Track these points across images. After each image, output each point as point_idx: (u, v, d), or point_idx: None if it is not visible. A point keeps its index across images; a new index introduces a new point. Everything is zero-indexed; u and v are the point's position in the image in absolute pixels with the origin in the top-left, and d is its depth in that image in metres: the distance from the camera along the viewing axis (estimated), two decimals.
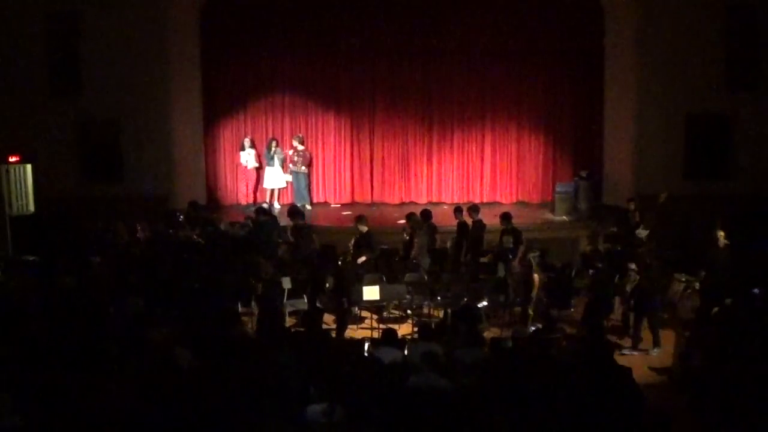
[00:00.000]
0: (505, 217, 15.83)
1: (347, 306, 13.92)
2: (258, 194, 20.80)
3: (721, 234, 14.15)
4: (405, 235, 15.88)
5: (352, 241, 15.41)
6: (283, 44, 20.59)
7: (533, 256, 14.35)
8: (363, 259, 15.08)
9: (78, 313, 10.81)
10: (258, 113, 21.20)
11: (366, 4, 20.42)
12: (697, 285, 14.23)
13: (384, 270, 15.09)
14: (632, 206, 16.39)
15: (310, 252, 15.27)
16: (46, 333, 9.77)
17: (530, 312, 13.86)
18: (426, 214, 16.06)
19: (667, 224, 16.40)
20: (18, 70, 18.27)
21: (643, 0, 18.47)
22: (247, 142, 20.45)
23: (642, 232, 15.45)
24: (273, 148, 20.19)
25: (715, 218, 15.21)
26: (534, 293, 13.97)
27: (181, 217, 16.59)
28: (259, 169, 20.65)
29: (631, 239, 15.61)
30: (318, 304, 13.85)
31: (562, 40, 20.56)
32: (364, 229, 15.39)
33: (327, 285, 14.44)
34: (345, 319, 13.50)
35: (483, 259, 15.15)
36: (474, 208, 16.41)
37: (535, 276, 13.91)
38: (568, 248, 17.30)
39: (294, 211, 16.35)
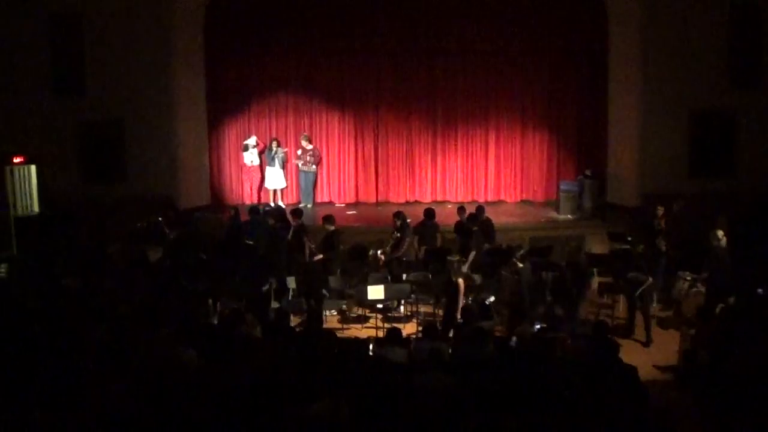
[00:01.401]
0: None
1: (314, 307, 13.79)
2: (262, 194, 20.84)
3: (720, 233, 14.05)
4: (395, 233, 15.83)
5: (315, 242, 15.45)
6: (288, 44, 20.64)
7: (452, 260, 14.24)
8: (319, 257, 15.06)
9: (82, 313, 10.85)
10: (262, 113, 21.21)
11: (370, 4, 20.45)
12: (700, 284, 14.19)
13: (349, 269, 15.35)
14: (660, 212, 15.48)
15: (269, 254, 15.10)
16: (49, 333, 9.79)
17: (458, 317, 13.03)
18: (429, 213, 16.06)
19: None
20: (22, 70, 18.29)
21: None
22: (250, 141, 20.46)
23: (661, 243, 15.09)
24: (274, 149, 20.20)
25: (717, 217, 15.18)
26: (461, 299, 13.42)
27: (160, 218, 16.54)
28: (262, 168, 20.69)
29: (652, 245, 15.19)
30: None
31: (566, 39, 20.62)
32: (330, 228, 15.45)
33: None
34: (311, 320, 12.80)
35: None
36: (479, 209, 16.37)
37: (459, 281, 13.46)
38: (573, 247, 17.24)
39: (271, 212, 16.41)
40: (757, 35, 18.35)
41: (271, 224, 15.64)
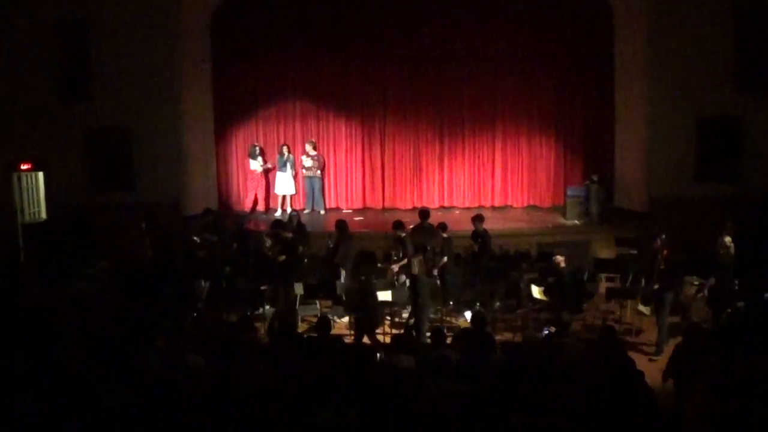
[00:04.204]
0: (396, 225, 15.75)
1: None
2: (270, 201, 20.90)
3: (727, 239, 13.97)
4: (329, 242, 15.85)
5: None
6: (294, 50, 20.69)
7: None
8: (282, 257, 15.15)
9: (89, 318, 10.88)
10: (269, 119, 21.25)
11: (377, 10, 20.51)
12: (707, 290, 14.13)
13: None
14: (658, 243, 14.22)
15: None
16: (58, 338, 9.81)
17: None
18: (423, 214, 16.22)
19: (677, 227, 16.28)
20: (29, 78, 18.28)
21: (653, 3, 18.41)
22: (257, 149, 20.48)
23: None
24: (285, 154, 20.22)
25: (724, 221, 15.11)
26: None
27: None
28: (269, 174, 20.77)
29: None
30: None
31: (572, 44, 20.63)
32: (288, 235, 15.68)
33: None
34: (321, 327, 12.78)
35: None
36: (476, 217, 16.17)
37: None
38: (580, 252, 17.21)
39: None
40: (763, 40, 18.27)
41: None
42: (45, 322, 10.66)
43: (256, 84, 21.20)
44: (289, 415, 7.64)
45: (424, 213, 16.26)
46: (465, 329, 11.98)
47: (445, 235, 15.50)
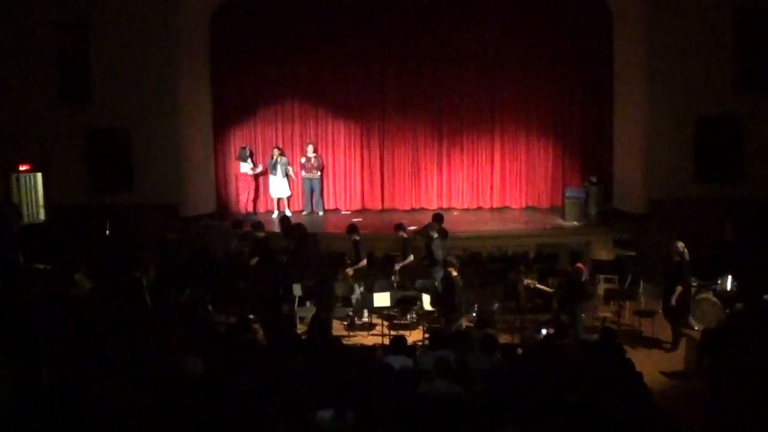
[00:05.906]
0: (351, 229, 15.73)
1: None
2: (258, 203, 20.95)
3: (680, 245, 13.71)
4: (290, 246, 15.74)
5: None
6: (293, 52, 20.70)
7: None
8: (255, 259, 15.23)
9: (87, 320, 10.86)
10: (268, 120, 21.19)
11: (375, 12, 20.51)
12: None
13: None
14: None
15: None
16: (56, 341, 9.79)
17: None
18: (436, 218, 16.07)
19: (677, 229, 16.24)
20: (28, 79, 18.32)
21: (652, 3, 18.38)
22: (246, 151, 20.45)
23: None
24: (275, 157, 20.17)
25: (724, 223, 15.07)
26: None
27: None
28: (259, 177, 20.83)
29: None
30: None
31: (571, 45, 20.63)
32: (261, 235, 15.63)
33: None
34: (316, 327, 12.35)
35: None
36: (432, 217, 16.02)
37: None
38: (579, 254, 17.18)
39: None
40: (763, 39, 18.22)
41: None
42: (42, 325, 10.65)
43: (255, 85, 21.16)
44: (287, 417, 7.64)
45: (435, 217, 16.20)
46: (464, 330, 11.98)
47: (405, 235, 15.58)
